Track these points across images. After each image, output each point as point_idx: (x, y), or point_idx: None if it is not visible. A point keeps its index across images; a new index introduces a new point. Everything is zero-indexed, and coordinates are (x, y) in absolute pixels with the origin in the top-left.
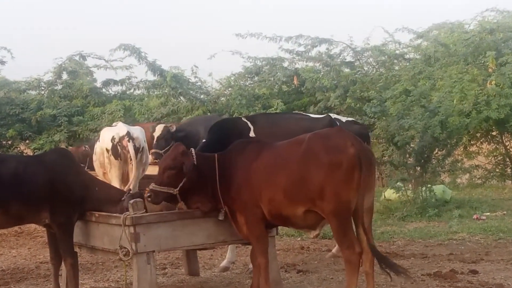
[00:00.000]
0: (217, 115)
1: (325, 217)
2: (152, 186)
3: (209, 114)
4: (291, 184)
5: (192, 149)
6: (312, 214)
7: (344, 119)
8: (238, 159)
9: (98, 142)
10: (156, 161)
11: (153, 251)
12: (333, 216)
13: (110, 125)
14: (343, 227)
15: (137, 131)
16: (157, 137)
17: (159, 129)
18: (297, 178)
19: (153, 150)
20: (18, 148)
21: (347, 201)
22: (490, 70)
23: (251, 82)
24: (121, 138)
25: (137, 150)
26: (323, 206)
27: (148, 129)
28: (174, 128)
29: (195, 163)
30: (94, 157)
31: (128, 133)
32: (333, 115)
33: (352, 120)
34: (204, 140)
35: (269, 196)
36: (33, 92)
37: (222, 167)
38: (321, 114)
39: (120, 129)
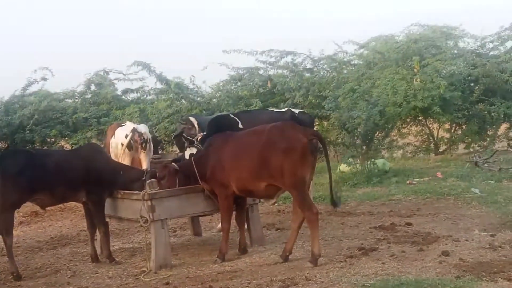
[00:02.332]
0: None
1: (286, 190)
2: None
3: (204, 112)
4: (255, 165)
5: (173, 163)
6: (271, 187)
7: (297, 111)
8: (210, 151)
9: (113, 138)
10: None
11: (166, 219)
12: (293, 188)
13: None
14: (301, 196)
15: (144, 128)
16: (197, 124)
17: (194, 120)
18: (261, 160)
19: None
20: (59, 144)
21: (302, 177)
22: (415, 70)
23: (235, 86)
24: (133, 134)
25: (145, 141)
26: (284, 181)
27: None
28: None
29: (177, 169)
30: (110, 149)
31: (137, 130)
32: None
33: (303, 111)
34: (204, 132)
35: (237, 176)
36: (69, 101)
37: (199, 164)
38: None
39: (131, 127)
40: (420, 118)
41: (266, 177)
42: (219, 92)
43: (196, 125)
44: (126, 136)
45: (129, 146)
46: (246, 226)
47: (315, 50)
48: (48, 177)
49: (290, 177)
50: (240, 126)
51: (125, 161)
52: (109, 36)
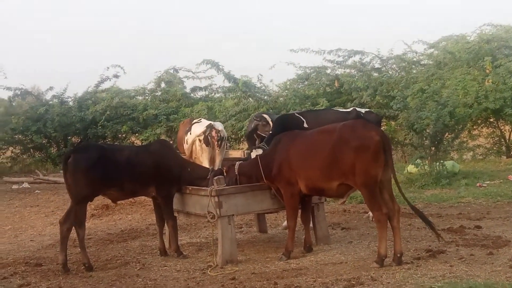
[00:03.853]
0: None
1: (357, 188)
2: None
3: (270, 111)
4: (327, 164)
5: (237, 163)
6: (342, 185)
7: (363, 110)
8: (277, 149)
9: (189, 134)
10: None
11: (233, 215)
12: (364, 187)
13: (196, 120)
14: (372, 195)
15: (220, 125)
16: (271, 121)
17: (268, 117)
18: (332, 159)
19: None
20: (130, 140)
21: (374, 176)
22: (487, 71)
23: (302, 85)
24: (211, 130)
25: (221, 139)
26: (355, 180)
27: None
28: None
29: (237, 172)
30: (185, 146)
31: (215, 127)
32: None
33: (369, 110)
34: (270, 132)
35: (307, 174)
36: (140, 98)
37: (265, 162)
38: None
39: (208, 123)
40: (491, 119)
41: (338, 176)
42: (286, 91)
43: (270, 122)
44: (204, 132)
45: (206, 142)
46: (311, 225)
47: (384, 49)
48: (119, 171)
49: (361, 175)
50: (305, 125)
51: (203, 157)
52: (178, 35)
